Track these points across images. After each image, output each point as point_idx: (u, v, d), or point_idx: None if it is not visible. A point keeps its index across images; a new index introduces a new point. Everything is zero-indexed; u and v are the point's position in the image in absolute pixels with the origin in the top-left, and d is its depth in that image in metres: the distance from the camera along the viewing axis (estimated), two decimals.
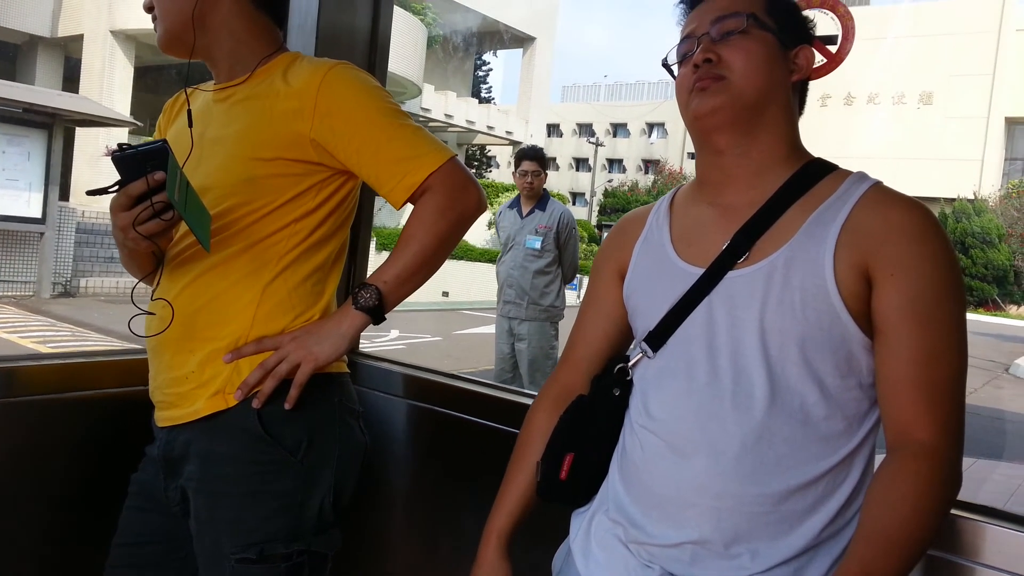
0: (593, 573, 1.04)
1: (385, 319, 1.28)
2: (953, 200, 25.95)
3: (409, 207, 1.27)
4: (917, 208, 0.95)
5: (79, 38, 16.52)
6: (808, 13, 1.09)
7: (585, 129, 45.11)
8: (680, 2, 1.09)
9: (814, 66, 1.06)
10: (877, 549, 0.87)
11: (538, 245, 4.74)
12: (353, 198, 1.35)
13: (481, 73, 36.02)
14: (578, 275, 6.52)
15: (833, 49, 1.12)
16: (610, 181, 38.30)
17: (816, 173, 1.01)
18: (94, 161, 15.16)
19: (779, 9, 1.03)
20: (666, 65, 1.09)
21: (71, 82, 16.91)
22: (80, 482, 1.53)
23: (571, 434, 1.11)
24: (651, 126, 44.26)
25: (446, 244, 1.27)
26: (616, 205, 32.98)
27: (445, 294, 15.71)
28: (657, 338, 1.03)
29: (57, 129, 11.04)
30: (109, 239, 11.54)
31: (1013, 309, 24.50)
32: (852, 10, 1.19)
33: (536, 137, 25.63)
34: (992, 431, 7.84)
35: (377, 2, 1.81)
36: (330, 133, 1.23)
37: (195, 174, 1.22)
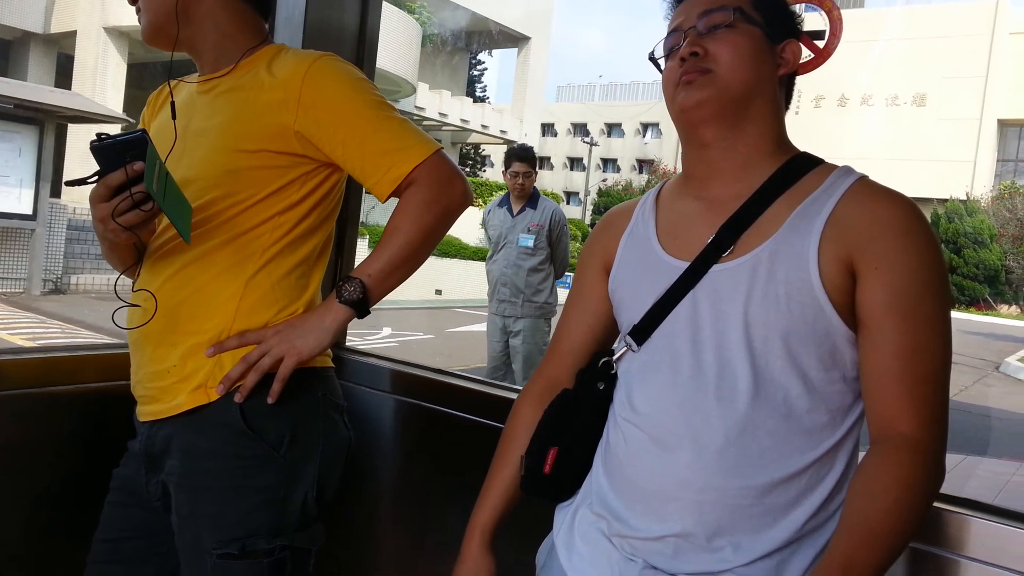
0: (576, 567, 1.03)
1: (370, 313, 1.27)
2: (946, 201, 26.08)
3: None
4: (902, 202, 0.94)
5: (72, 34, 16.44)
6: (795, 8, 1.08)
7: (580, 129, 45.14)
8: None
9: (801, 61, 1.06)
10: (859, 541, 0.87)
11: (531, 243, 4.77)
12: (338, 191, 1.34)
13: (476, 72, 36.00)
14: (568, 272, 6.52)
15: (820, 44, 1.12)
16: (604, 181, 38.31)
17: (802, 167, 1.01)
18: (86, 158, 14.93)
19: (766, 3, 1.03)
20: (653, 59, 1.09)
21: (64, 78, 16.83)
22: (61, 477, 1.52)
23: (555, 428, 1.10)
24: (646, 126, 44.32)
25: (431, 237, 1.26)
26: (610, 204, 32.87)
27: (438, 292, 15.70)
28: (642, 332, 1.03)
29: (49, 125, 11.00)
30: None
31: (1004, 308, 24.64)
32: (845, 12, 1.18)
33: (531, 136, 25.64)
34: (982, 428, 7.89)
35: None
36: (314, 125, 1.22)
37: (178, 166, 1.21)
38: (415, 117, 21.38)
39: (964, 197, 26.60)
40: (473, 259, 16.61)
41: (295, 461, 1.24)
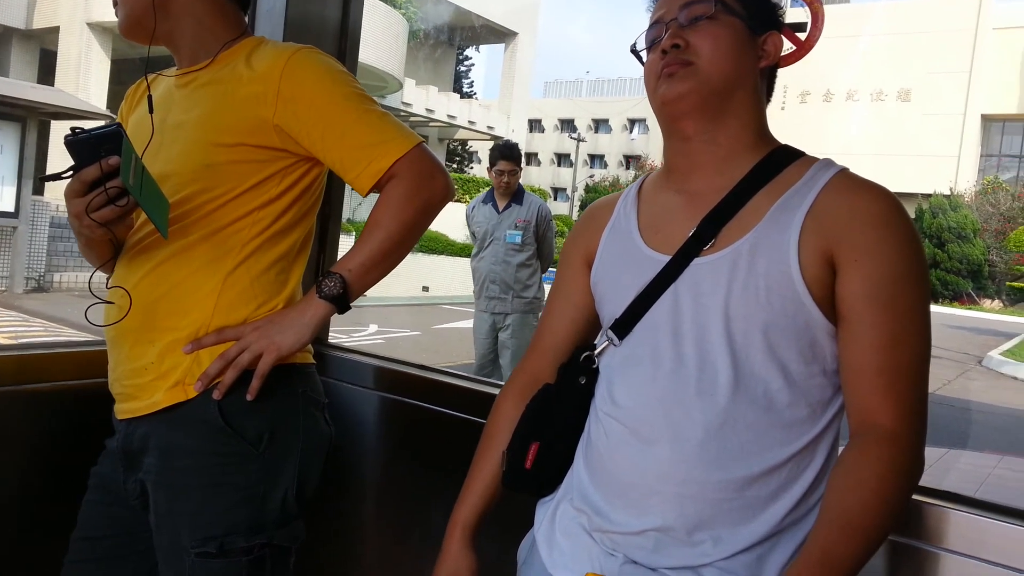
0: (557, 562, 1.03)
1: (351, 308, 1.26)
2: (930, 195, 26.25)
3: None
4: (882, 194, 0.94)
5: (55, 30, 16.27)
6: (777, 0, 1.08)
7: (567, 125, 45.18)
8: None
9: (783, 53, 1.06)
10: (838, 533, 0.86)
11: (519, 239, 4.77)
12: (319, 185, 1.33)
13: (463, 68, 35.93)
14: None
15: (802, 36, 1.12)
16: (591, 177, 38.38)
17: (783, 160, 1.00)
18: (68, 155, 14.93)
19: None
20: (635, 51, 1.08)
21: (47, 74, 16.65)
22: (39, 475, 1.50)
23: (536, 423, 1.10)
24: (633, 122, 44.39)
25: (412, 232, 1.25)
26: None
27: (425, 288, 15.67)
28: (623, 326, 1.02)
29: (31, 122, 10.88)
30: None
31: (987, 303, 24.82)
32: (830, 7, 1.18)
33: (518, 132, 25.62)
34: (964, 422, 7.96)
35: None
36: (293, 118, 1.21)
37: (156, 160, 1.19)
38: (402, 113, 21.31)
39: (948, 192, 26.79)
40: (460, 256, 16.58)
41: (274, 458, 1.22)
